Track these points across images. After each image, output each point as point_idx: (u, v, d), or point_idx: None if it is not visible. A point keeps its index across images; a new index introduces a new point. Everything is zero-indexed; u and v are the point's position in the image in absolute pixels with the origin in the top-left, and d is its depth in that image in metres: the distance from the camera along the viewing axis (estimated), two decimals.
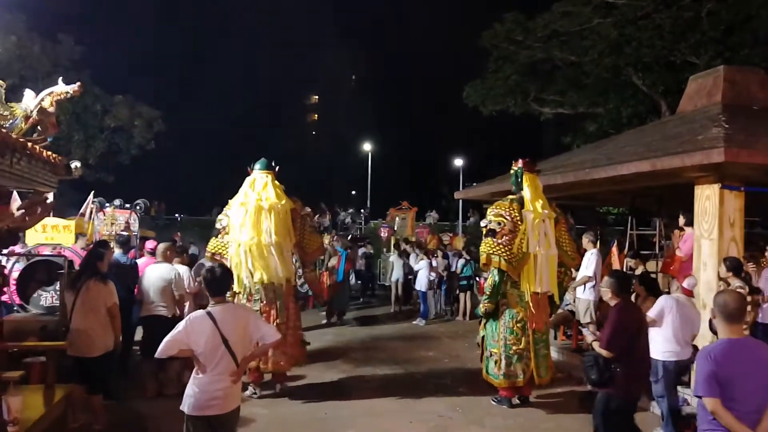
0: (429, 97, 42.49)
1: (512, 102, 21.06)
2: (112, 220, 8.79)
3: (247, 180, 6.35)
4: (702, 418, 3.12)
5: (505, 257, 5.99)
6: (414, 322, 11.34)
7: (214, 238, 6.31)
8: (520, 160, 6.50)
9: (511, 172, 6.61)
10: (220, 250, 6.18)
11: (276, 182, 6.33)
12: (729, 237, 5.87)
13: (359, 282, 15.22)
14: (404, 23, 45.49)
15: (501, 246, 6.03)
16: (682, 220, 7.18)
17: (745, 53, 15.43)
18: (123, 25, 34.79)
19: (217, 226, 6.29)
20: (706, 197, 6.02)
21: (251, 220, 6.01)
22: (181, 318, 4.82)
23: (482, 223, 6.54)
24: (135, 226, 9.08)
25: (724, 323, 3.09)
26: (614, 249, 8.97)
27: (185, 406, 3.36)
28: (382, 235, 19.40)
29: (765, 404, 3.01)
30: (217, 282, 3.54)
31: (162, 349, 3.38)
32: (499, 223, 6.13)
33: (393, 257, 13.39)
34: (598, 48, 17.50)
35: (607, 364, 4.11)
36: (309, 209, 6.81)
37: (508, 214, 6.15)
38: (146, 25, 36.49)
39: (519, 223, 6.13)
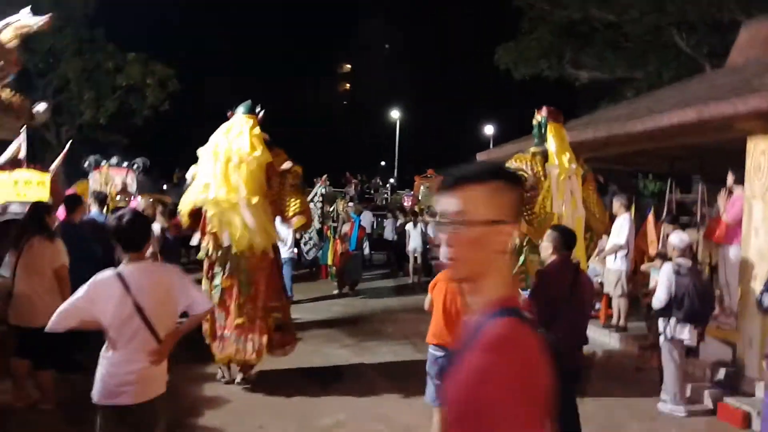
0: (461, 64, 41.11)
1: (546, 65, 19.88)
2: (106, 179, 8.26)
3: (223, 126, 5.42)
4: None
5: (526, 217, 5.28)
6: None
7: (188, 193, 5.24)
8: (544, 108, 5.75)
9: (534, 122, 5.86)
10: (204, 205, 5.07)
11: (257, 130, 5.34)
12: None
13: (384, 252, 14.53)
14: None
15: None
16: (731, 179, 6.19)
17: None
18: None
19: (189, 177, 5.38)
20: (761, 152, 5.16)
21: (221, 172, 5.03)
22: None
23: None
24: (132, 187, 8.51)
25: None
26: (650, 217, 8.11)
27: (94, 393, 2.69)
28: (405, 204, 18.74)
29: None
30: (129, 233, 2.73)
31: (55, 320, 2.65)
32: None
33: (409, 226, 12.70)
34: (639, 5, 16.23)
35: None
36: (291, 164, 5.41)
37: (529, 168, 5.46)
38: None
39: (542, 179, 5.42)
